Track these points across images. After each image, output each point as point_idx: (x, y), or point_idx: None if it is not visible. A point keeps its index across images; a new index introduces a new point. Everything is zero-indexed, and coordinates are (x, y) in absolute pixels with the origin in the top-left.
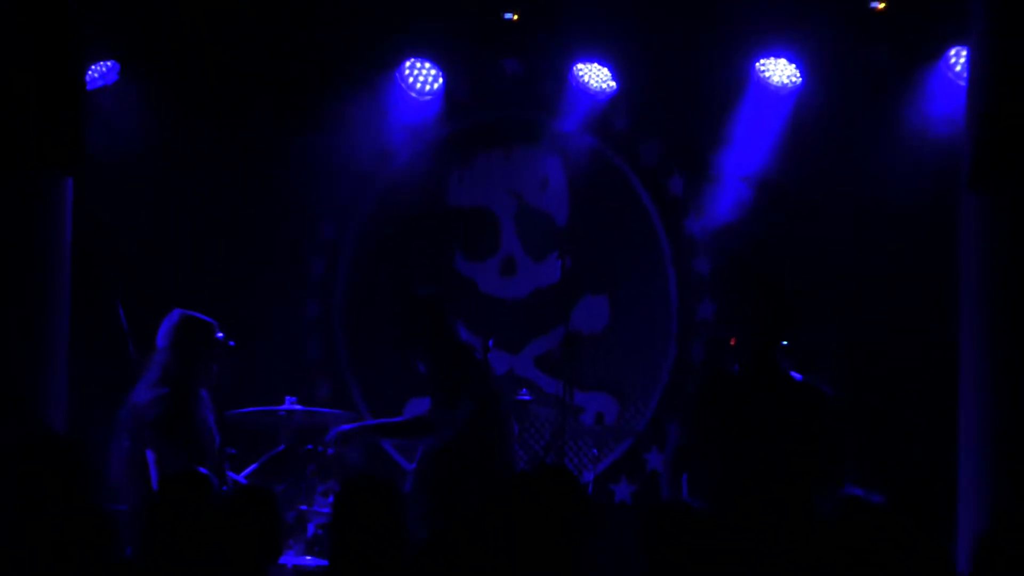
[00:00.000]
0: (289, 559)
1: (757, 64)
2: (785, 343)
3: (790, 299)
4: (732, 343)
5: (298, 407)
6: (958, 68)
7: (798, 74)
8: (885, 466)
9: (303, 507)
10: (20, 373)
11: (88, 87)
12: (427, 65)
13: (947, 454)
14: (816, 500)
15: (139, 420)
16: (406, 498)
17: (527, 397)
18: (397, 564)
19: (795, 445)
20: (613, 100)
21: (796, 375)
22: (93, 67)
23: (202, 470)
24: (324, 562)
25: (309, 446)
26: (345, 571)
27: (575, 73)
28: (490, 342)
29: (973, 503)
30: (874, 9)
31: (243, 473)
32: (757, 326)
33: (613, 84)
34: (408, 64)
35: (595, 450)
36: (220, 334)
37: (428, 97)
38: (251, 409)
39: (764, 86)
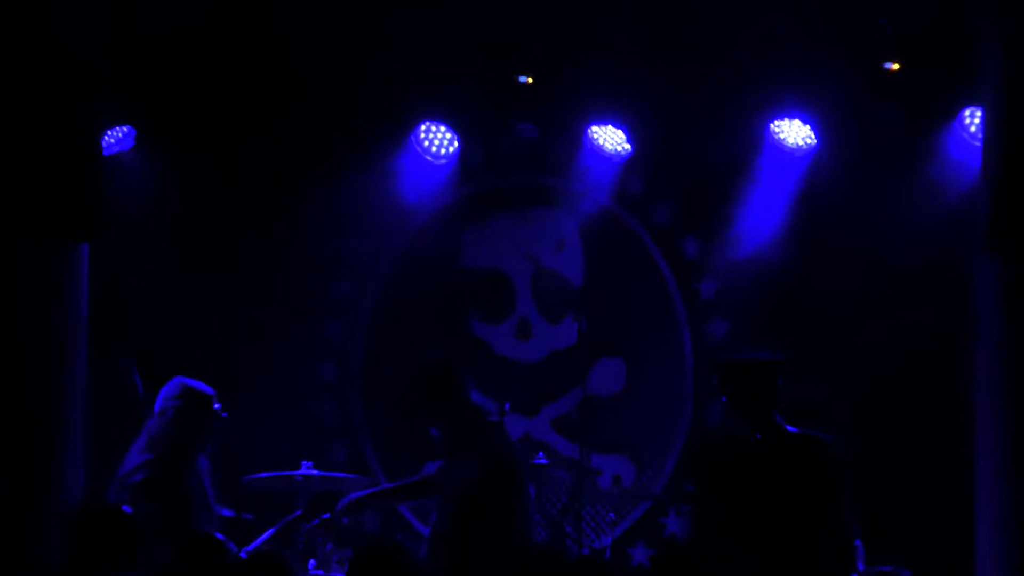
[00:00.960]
0: None
1: (771, 125)
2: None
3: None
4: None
5: (315, 472)
6: (973, 128)
7: (812, 135)
8: (900, 524)
9: (319, 573)
10: (39, 438)
11: (104, 152)
12: (442, 129)
13: (965, 514)
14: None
15: (123, 485)
16: (421, 564)
17: (544, 461)
18: None
19: (797, 501)
20: (628, 163)
21: (792, 428)
22: (109, 132)
23: (218, 536)
24: None
25: (325, 515)
26: None
27: (589, 135)
28: (506, 406)
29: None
30: (888, 70)
31: (260, 539)
32: (751, 408)
33: (628, 147)
34: (423, 128)
35: (612, 514)
36: (217, 404)
37: (443, 160)
38: (268, 475)
39: (778, 147)
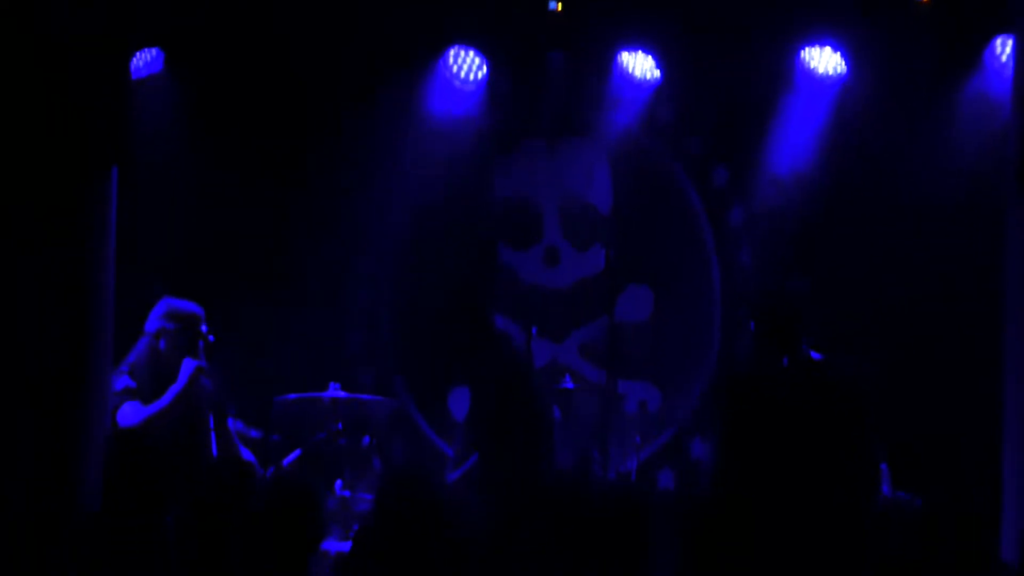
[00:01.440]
0: (331, 545)
1: (802, 53)
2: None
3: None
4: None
5: (342, 394)
6: (1004, 59)
7: (843, 63)
8: (928, 458)
9: (346, 493)
10: (66, 366)
11: (134, 74)
12: (471, 54)
13: (992, 448)
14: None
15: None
16: (447, 488)
17: (570, 386)
18: (438, 553)
19: (828, 421)
20: (657, 91)
21: (816, 355)
22: (137, 56)
23: (247, 456)
24: None
25: (366, 439)
26: (387, 559)
27: (619, 63)
28: (533, 331)
29: (1018, 493)
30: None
31: (288, 459)
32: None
33: (657, 73)
34: (452, 52)
35: (638, 438)
36: (204, 326)
37: (472, 87)
38: (296, 396)
39: (809, 76)
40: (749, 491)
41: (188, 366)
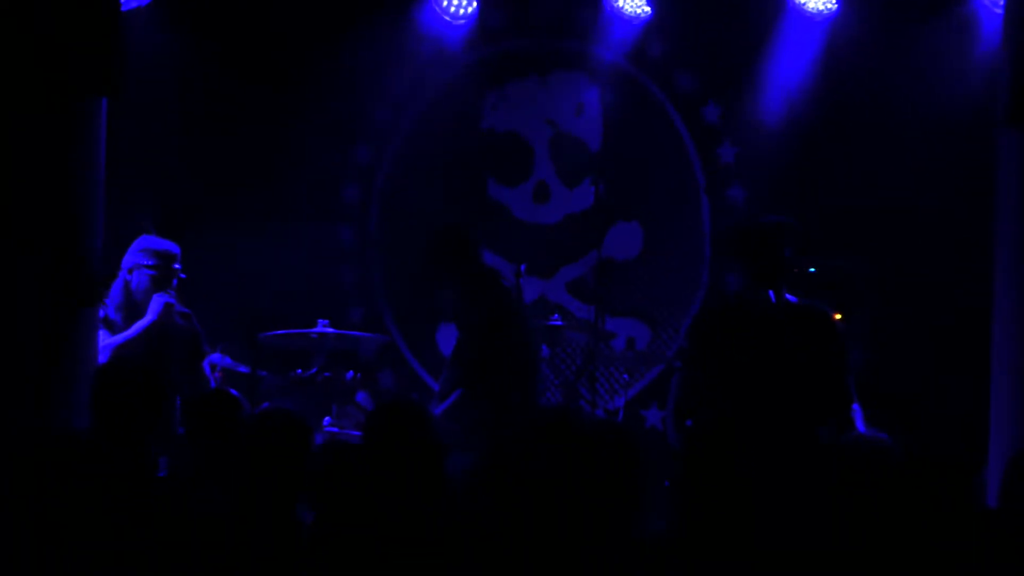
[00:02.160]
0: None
1: None
2: (812, 270)
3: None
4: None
5: (330, 330)
6: None
7: (834, 0)
8: (915, 398)
9: (334, 429)
10: (58, 295)
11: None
12: None
13: (980, 386)
14: (822, 432)
15: None
16: (436, 421)
17: (559, 322)
18: (428, 487)
19: (796, 366)
20: (648, 26)
21: (791, 298)
22: None
23: (232, 392)
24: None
25: (350, 373)
26: (376, 495)
27: None
28: (522, 267)
29: (1006, 434)
30: None
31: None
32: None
33: (648, 9)
34: None
35: (626, 376)
36: (178, 264)
37: (462, 21)
38: (284, 332)
39: (799, 12)
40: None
41: (157, 302)
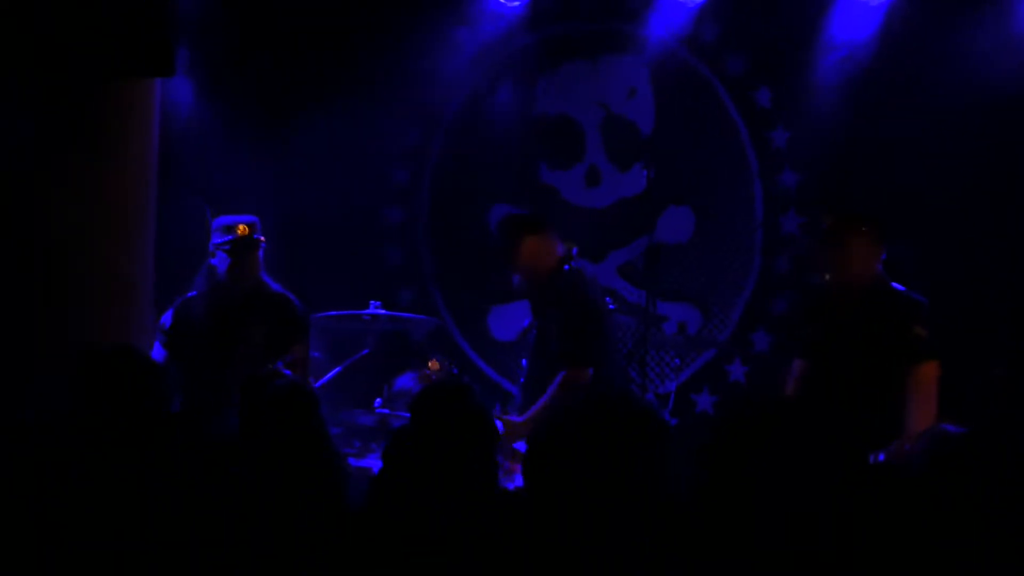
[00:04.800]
0: (373, 463)
1: None
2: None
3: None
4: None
5: (382, 312)
6: None
7: None
8: (962, 382)
9: (385, 411)
10: (110, 273)
11: None
12: None
13: None
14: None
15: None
16: (484, 404)
17: (610, 306)
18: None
19: (879, 348)
20: (701, 9)
21: (897, 286)
22: None
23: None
24: None
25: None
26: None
27: None
28: (573, 251)
29: None
30: None
31: (327, 377)
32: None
33: None
34: None
35: (677, 360)
36: (258, 235)
37: (516, 4)
38: (335, 313)
39: None
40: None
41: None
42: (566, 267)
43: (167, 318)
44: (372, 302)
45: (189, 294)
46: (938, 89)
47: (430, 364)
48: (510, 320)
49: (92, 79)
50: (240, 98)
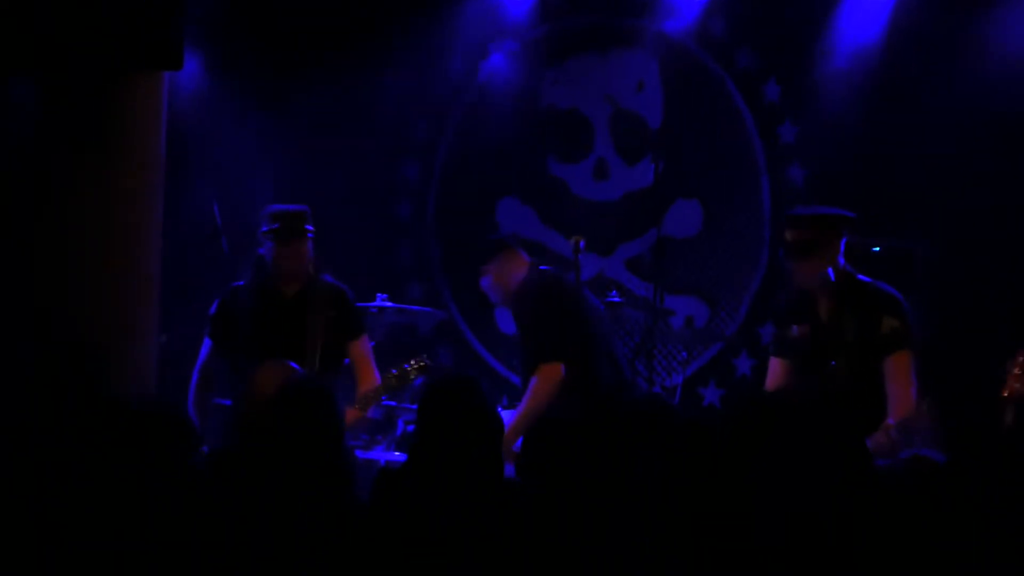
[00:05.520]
0: (379, 455)
1: None
2: (876, 249)
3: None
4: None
5: (389, 304)
6: None
7: None
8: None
9: (392, 403)
10: (117, 266)
11: None
12: None
13: None
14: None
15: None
16: (489, 398)
17: (617, 299)
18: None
19: (858, 342)
20: (711, 3)
21: (863, 278)
22: None
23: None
24: None
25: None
26: (429, 463)
27: None
28: (581, 244)
29: None
30: None
31: None
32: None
33: None
34: None
35: (684, 353)
36: (308, 225)
37: None
38: None
39: None
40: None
41: None
42: (535, 273)
43: (214, 308)
44: (379, 295)
45: (236, 283)
46: (946, 85)
47: (410, 363)
48: None
49: (99, 73)
50: (248, 92)
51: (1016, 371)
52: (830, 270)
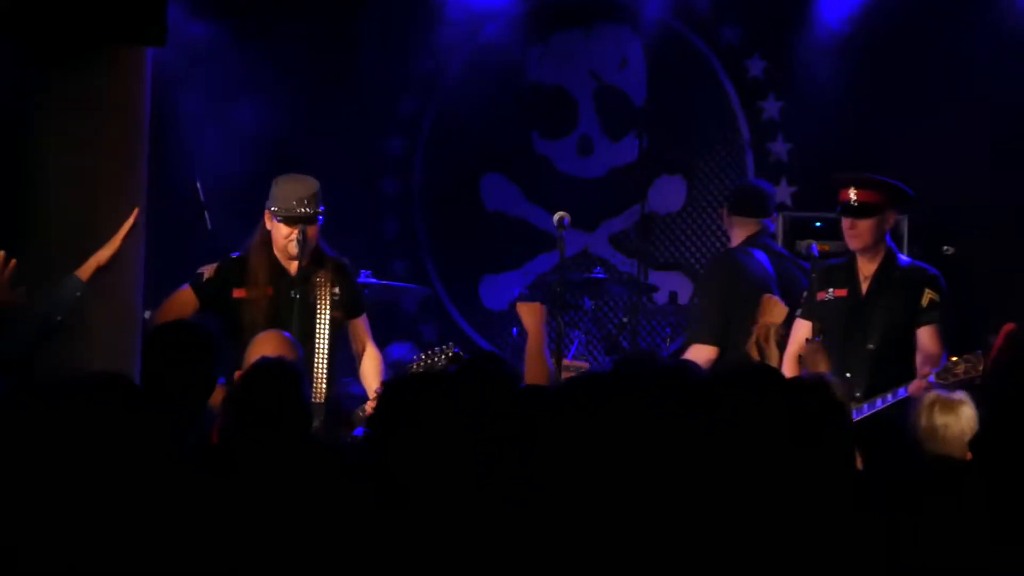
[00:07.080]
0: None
1: None
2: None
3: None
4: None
5: (374, 280)
6: None
7: None
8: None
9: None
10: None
11: None
12: None
13: None
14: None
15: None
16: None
17: (602, 275)
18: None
19: (895, 313)
20: None
21: (904, 259)
22: None
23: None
24: None
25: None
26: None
27: None
28: (565, 220)
29: None
30: None
31: None
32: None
33: None
34: None
35: (668, 329)
36: (321, 206)
37: None
38: None
39: None
40: None
41: None
42: None
43: (212, 271)
44: (363, 271)
45: (234, 254)
46: (930, 60)
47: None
48: (501, 289)
49: (80, 47)
50: (230, 65)
51: (1000, 343)
52: (888, 236)
